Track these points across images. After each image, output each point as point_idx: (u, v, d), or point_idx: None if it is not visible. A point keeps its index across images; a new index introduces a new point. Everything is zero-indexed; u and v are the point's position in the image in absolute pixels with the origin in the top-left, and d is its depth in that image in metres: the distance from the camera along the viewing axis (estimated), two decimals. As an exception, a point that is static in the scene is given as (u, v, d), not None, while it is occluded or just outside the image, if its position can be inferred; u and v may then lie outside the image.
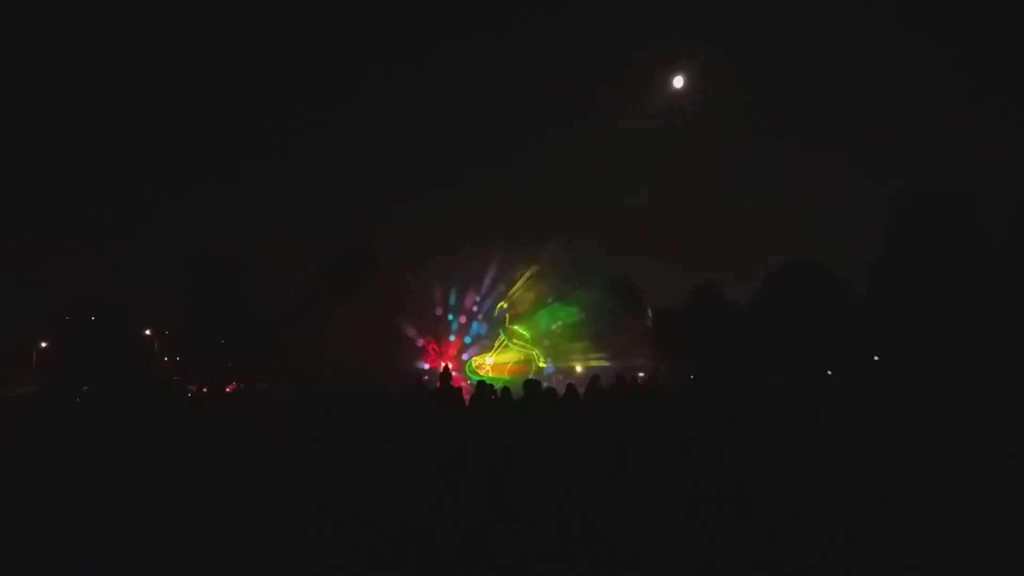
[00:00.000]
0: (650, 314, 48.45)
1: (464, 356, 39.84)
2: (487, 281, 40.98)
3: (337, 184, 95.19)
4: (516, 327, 39.89)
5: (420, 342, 39.78)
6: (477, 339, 40.46)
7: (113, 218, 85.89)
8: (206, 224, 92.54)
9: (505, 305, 40.17)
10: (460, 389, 11.96)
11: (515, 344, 39.59)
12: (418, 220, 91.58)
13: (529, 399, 10.49)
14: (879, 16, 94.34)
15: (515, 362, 39.34)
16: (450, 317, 40.45)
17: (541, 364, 39.06)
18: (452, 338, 40.12)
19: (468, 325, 40.70)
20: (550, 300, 40.27)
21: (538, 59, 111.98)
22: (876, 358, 36.82)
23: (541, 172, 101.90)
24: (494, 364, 38.68)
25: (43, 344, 44.67)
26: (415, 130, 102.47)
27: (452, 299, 40.84)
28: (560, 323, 40.17)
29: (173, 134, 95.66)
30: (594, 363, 37.99)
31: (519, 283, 40.36)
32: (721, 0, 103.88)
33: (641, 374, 34.38)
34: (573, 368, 40.50)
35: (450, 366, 13.41)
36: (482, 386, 11.38)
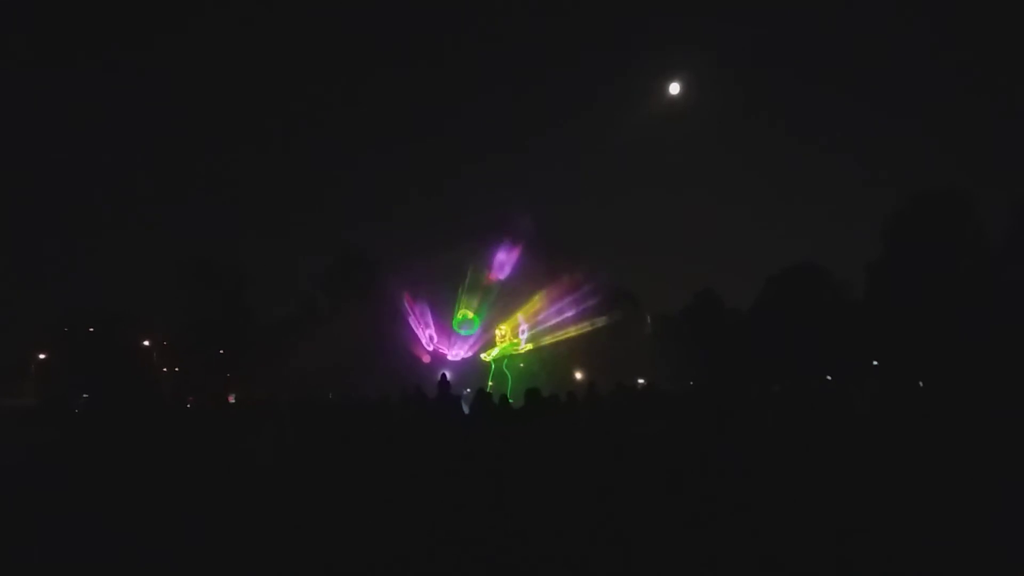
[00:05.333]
0: (649, 320, 48.53)
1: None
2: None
3: (335, 186, 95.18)
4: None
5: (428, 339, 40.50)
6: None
7: (110, 227, 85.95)
8: (204, 232, 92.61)
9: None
10: (458, 398, 11.99)
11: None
12: (413, 222, 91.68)
13: (529, 407, 10.53)
14: (879, 18, 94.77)
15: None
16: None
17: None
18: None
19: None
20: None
21: (536, 59, 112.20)
22: (876, 363, 36.85)
23: (539, 174, 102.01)
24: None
25: (41, 356, 44.58)
26: (409, 132, 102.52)
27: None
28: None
29: (169, 140, 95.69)
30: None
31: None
32: (719, 4, 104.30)
33: (641, 380, 34.41)
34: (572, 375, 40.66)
35: (447, 374, 13.45)
36: (481, 394, 11.42)
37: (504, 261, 41.13)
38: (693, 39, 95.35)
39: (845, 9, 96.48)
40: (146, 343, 46.91)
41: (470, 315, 40.82)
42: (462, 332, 41.16)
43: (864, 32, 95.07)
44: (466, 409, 12.13)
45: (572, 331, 40.45)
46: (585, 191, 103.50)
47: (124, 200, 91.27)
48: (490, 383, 38.47)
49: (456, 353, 40.08)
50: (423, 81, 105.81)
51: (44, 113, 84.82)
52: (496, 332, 40.84)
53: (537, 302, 40.54)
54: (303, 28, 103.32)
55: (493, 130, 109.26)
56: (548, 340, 40.26)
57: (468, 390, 28.51)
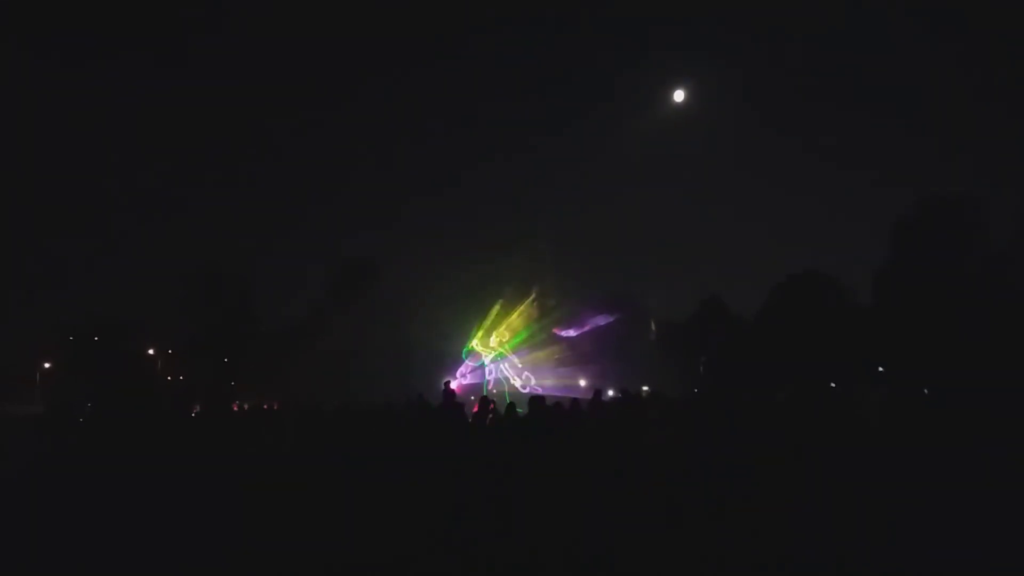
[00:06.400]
0: (654, 327, 48.49)
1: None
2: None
3: (337, 192, 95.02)
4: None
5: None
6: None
7: (115, 235, 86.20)
8: (210, 239, 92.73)
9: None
10: (462, 406, 11.98)
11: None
12: (416, 228, 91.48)
13: (533, 415, 10.50)
14: (885, 21, 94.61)
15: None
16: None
17: None
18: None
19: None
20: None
21: (538, 64, 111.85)
22: (880, 369, 36.71)
23: (541, 179, 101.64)
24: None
25: (47, 364, 44.77)
26: (412, 136, 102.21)
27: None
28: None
29: (173, 145, 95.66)
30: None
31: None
32: (723, 8, 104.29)
33: (645, 388, 34.45)
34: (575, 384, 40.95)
35: (452, 383, 13.41)
36: (485, 402, 11.41)
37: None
38: (698, 45, 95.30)
39: (852, 12, 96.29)
40: (151, 351, 47.05)
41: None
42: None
43: (870, 35, 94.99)
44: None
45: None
46: (588, 197, 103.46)
47: (129, 207, 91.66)
48: (492, 390, 38.75)
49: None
50: (424, 84, 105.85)
51: (45, 116, 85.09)
52: (493, 337, 41.78)
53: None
54: (306, 30, 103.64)
55: (491, 134, 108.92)
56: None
57: (473, 397, 28.64)
